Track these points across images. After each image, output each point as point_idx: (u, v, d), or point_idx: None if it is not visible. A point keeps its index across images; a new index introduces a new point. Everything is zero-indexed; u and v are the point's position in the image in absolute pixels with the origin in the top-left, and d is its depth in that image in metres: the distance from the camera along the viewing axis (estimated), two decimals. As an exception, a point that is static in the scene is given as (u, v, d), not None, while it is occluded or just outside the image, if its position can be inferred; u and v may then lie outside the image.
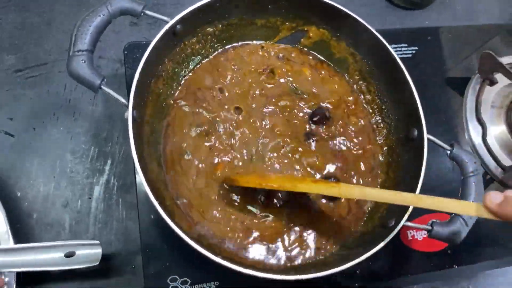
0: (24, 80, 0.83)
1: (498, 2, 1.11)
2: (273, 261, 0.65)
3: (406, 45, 0.89)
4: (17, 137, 0.79)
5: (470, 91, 0.89)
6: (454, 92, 0.91)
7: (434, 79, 0.91)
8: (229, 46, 0.76)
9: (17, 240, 0.66)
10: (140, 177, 0.54)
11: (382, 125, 0.74)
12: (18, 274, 0.64)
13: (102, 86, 0.55)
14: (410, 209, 0.59)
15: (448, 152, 0.64)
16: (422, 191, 0.62)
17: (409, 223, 0.59)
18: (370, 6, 1.03)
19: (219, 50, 0.75)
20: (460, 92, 0.91)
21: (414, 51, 0.89)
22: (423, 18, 1.04)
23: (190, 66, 0.73)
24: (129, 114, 0.54)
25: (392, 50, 0.66)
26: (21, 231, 0.74)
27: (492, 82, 0.87)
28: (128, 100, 0.55)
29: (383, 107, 0.75)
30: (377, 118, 0.75)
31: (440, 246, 0.77)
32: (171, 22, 0.59)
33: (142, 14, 0.58)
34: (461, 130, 0.88)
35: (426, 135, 0.63)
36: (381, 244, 0.57)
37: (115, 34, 0.88)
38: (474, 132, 0.87)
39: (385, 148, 0.73)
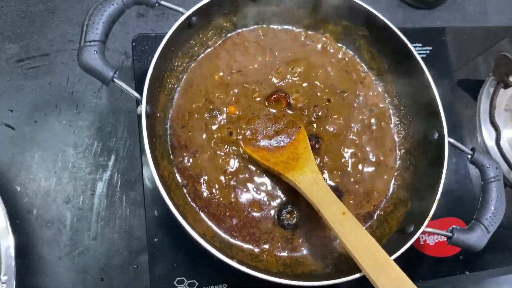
0: (26, 71, 0.80)
1: (509, 3, 1.09)
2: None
3: (420, 44, 0.87)
4: (18, 130, 0.76)
5: (484, 94, 0.87)
6: (466, 94, 0.90)
7: (447, 81, 0.89)
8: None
9: (17, 236, 0.63)
10: (154, 175, 0.51)
11: (400, 126, 0.72)
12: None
13: (114, 79, 0.52)
14: (431, 214, 0.57)
15: (469, 156, 0.63)
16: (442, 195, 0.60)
17: (429, 229, 0.57)
18: (381, 3, 1.01)
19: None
20: (472, 94, 0.89)
21: (428, 51, 0.87)
22: (434, 17, 1.02)
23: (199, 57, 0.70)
24: (143, 110, 0.51)
25: (413, 49, 0.64)
26: (21, 228, 0.72)
27: (507, 85, 0.85)
28: (141, 95, 0.52)
29: (401, 108, 0.73)
30: (395, 119, 0.73)
31: (452, 251, 0.76)
32: (188, 13, 0.57)
33: (157, 4, 0.55)
34: (474, 133, 0.86)
35: (447, 138, 0.61)
36: (401, 250, 0.55)
37: (121, 26, 0.85)
38: (487, 135, 0.85)
39: (402, 150, 0.71)
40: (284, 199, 0.65)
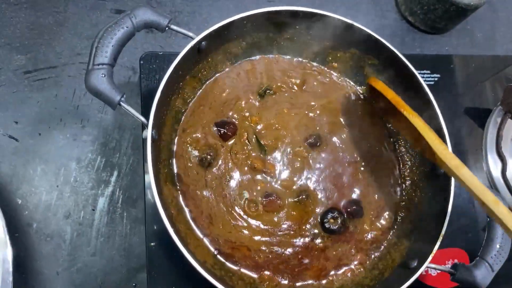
0: (33, 83, 0.80)
1: (518, 31, 1.09)
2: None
3: (429, 71, 0.87)
4: (21, 142, 0.76)
5: (491, 124, 0.86)
6: (473, 123, 0.89)
7: (454, 109, 0.89)
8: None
9: (15, 249, 0.62)
10: (156, 202, 0.51)
11: (405, 157, 0.71)
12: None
13: (121, 102, 0.51)
14: (434, 251, 0.56)
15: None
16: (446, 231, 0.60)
17: (432, 265, 0.57)
18: (390, 28, 1.01)
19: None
20: (480, 123, 0.89)
21: (436, 79, 0.87)
22: (443, 43, 1.02)
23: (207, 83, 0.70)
24: (148, 134, 0.51)
25: (421, 79, 0.64)
26: (20, 241, 0.71)
27: (515, 116, 0.85)
28: (147, 119, 0.52)
29: (407, 139, 0.72)
30: (401, 149, 0.72)
31: (454, 283, 0.74)
32: (197, 38, 0.56)
33: (167, 28, 0.55)
34: (480, 163, 0.86)
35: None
36: (403, 286, 0.54)
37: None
38: (493, 166, 0.84)
39: (408, 182, 0.70)
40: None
